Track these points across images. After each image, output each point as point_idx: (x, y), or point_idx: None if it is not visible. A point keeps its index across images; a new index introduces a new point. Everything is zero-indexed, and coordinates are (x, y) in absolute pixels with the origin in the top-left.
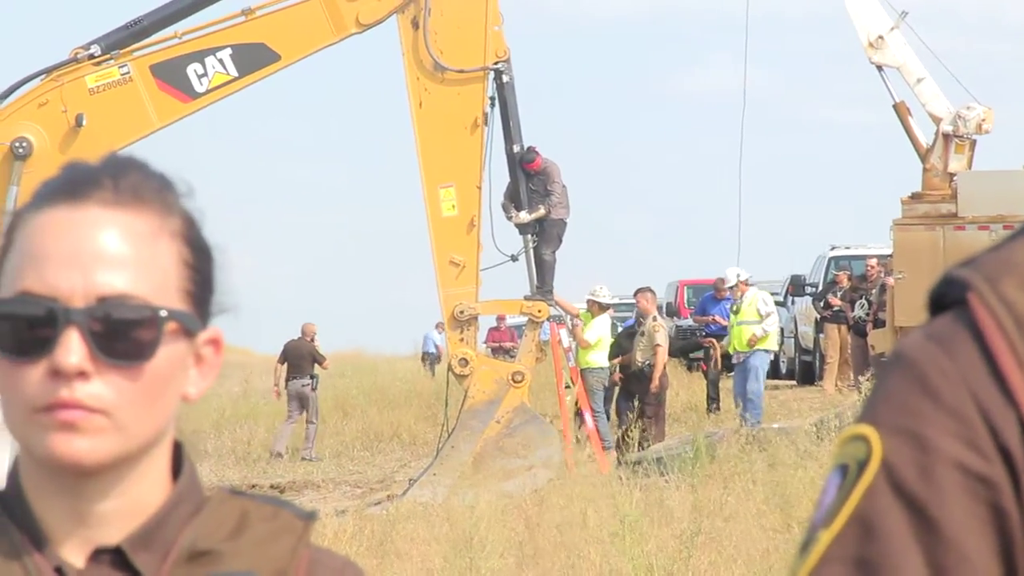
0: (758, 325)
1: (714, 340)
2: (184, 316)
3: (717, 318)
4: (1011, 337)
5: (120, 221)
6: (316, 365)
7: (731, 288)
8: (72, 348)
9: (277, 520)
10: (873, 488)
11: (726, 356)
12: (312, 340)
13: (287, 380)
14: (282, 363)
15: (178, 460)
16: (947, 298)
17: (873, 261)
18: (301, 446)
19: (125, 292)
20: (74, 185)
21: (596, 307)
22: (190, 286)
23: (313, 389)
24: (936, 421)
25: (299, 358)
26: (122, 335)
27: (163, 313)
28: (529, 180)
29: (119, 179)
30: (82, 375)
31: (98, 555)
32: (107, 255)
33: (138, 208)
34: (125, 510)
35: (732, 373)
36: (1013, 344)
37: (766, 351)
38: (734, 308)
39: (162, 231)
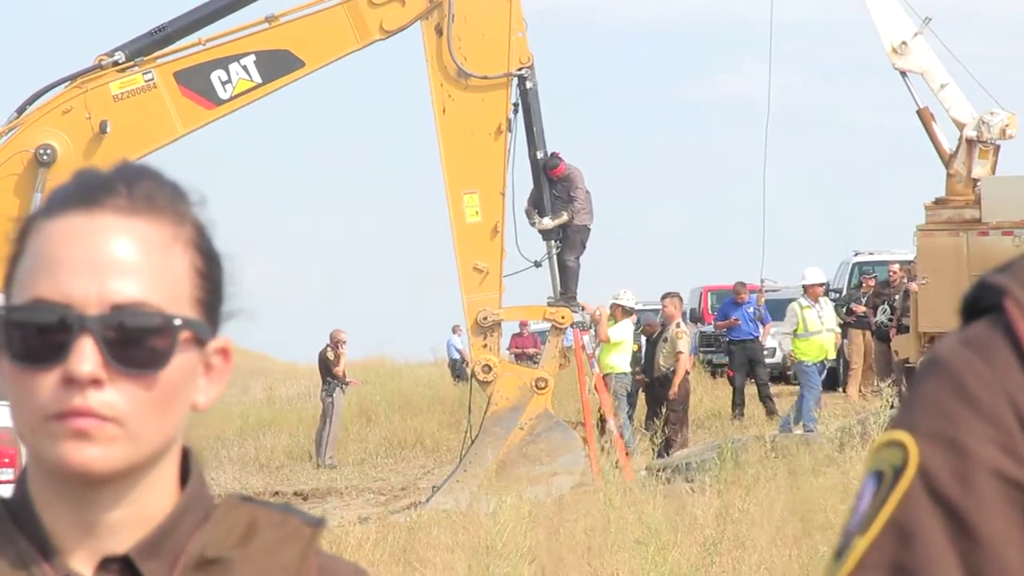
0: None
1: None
2: (197, 325)
3: (733, 320)
4: None
5: (134, 229)
6: (329, 372)
7: (809, 287)
8: (86, 356)
9: (286, 527)
10: (910, 494)
11: (750, 361)
12: (337, 346)
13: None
14: (320, 371)
15: (186, 467)
16: (982, 303)
17: (896, 267)
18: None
19: (139, 300)
20: (88, 192)
21: (620, 311)
22: (202, 295)
23: (329, 395)
24: (974, 427)
25: (321, 365)
26: (136, 343)
27: (177, 322)
28: (552, 186)
29: (133, 187)
30: (95, 383)
31: (106, 564)
32: (121, 263)
33: (152, 216)
34: (134, 519)
35: (753, 379)
36: None
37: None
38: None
39: (176, 240)
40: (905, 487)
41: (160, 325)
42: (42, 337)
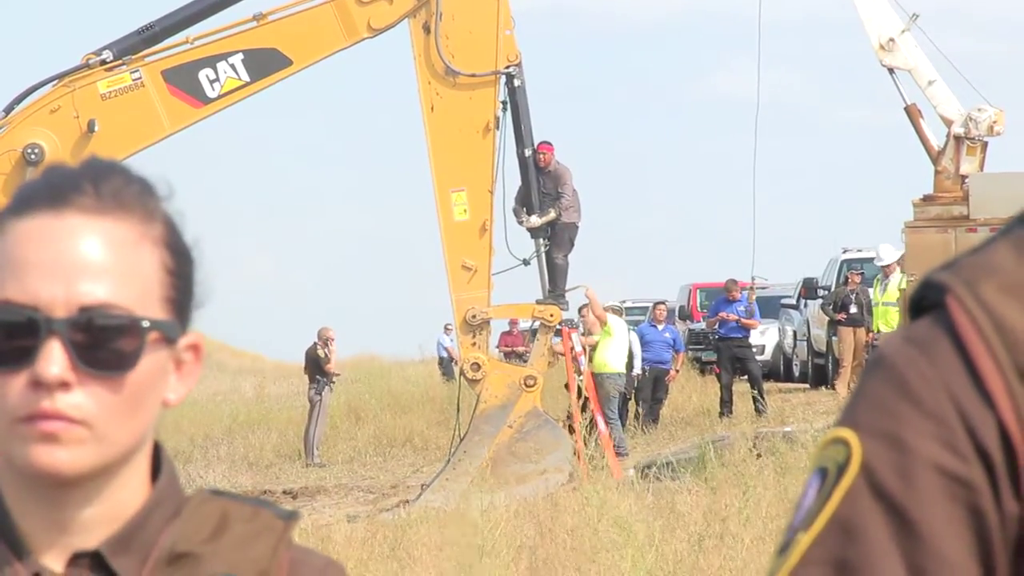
0: (897, 307)
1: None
2: (166, 325)
3: (726, 315)
4: (990, 340)
5: (102, 228)
6: (320, 370)
7: (885, 267)
8: (53, 358)
9: (257, 520)
10: (853, 491)
11: (733, 359)
12: (326, 344)
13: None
14: (304, 369)
15: (157, 463)
16: (927, 301)
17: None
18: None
19: (107, 301)
20: (55, 191)
21: (611, 311)
22: (172, 292)
23: (317, 393)
24: (915, 424)
25: (309, 364)
26: (104, 345)
27: (145, 323)
28: (541, 181)
29: (100, 185)
30: (63, 385)
31: (77, 559)
32: (89, 264)
33: (120, 215)
34: (105, 516)
35: (744, 376)
36: (992, 347)
37: None
38: (880, 288)
39: (144, 238)
40: (848, 483)
41: (128, 326)
42: (9, 340)
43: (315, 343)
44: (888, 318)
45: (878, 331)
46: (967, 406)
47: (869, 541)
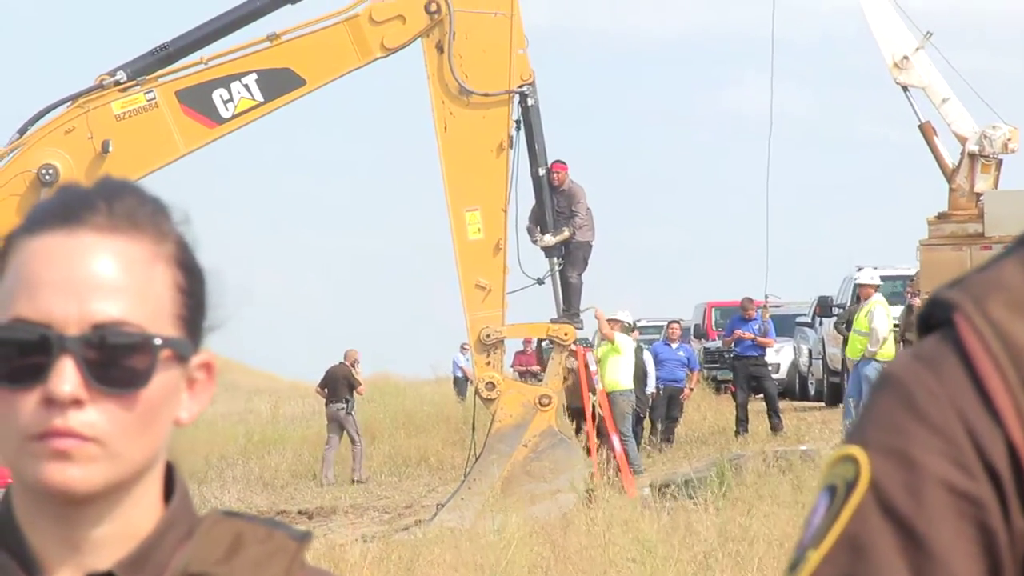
0: (867, 336)
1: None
2: (178, 343)
3: (742, 333)
4: (997, 357)
5: (115, 247)
6: (352, 390)
7: (860, 286)
8: (66, 376)
9: (271, 541)
10: (862, 508)
11: (749, 378)
12: (353, 365)
13: (327, 404)
14: (322, 387)
15: (170, 483)
16: (935, 318)
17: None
18: (351, 468)
19: (120, 319)
20: (68, 209)
21: (619, 327)
22: (184, 311)
23: (348, 413)
24: (924, 441)
25: (336, 382)
26: (116, 363)
27: (158, 341)
28: (554, 200)
29: (113, 204)
30: (76, 403)
31: None
32: (102, 282)
33: (133, 233)
34: (118, 535)
35: (760, 395)
36: (999, 364)
37: (879, 361)
38: (858, 314)
39: (157, 257)
40: (857, 501)
41: (140, 344)
42: (22, 357)
43: (342, 363)
44: (855, 347)
45: (848, 359)
46: (975, 423)
47: (878, 558)
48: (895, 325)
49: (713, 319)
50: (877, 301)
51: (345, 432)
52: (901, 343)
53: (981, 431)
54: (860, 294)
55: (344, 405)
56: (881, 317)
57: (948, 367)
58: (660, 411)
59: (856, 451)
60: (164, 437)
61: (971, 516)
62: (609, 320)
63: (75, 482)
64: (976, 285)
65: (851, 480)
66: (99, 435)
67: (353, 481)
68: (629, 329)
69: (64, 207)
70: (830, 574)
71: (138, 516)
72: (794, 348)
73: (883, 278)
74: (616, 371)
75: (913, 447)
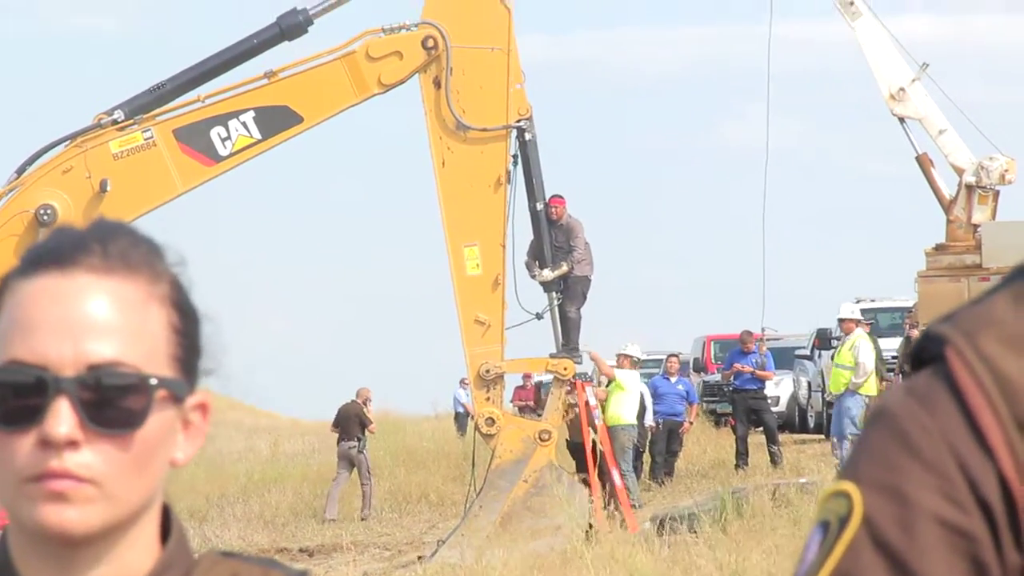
0: (851, 370)
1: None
2: (174, 383)
3: (741, 366)
4: (989, 392)
5: (109, 288)
6: (363, 428)
7: (841, 322)
8: (62, 417)
9: None
10: (855, 544)
11: (748, 411)
12: (365, 404)
13: (338, 442)
14: (335, 426)
15: (167, 524)
16: (927, 353)
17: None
18: (359, 506)
19: (115, 360)
20: (62, 251)
21: (627, 362)
22: (178, 351)
23: (359, 451)
24: (916, 476)
25: (347, 420)
26: (112, 404)
27: (153, 381)
28: (553, 235)
29: (108, 245)
30: (72, 444)
31: None
32: (97, 323)
33: (127, 274)
34: None
35: (760, 428)
36: (991, 399)
37: (862, 395)
38: (840, 349)
39: (151, 297)
40: (850, 536)
41: (136, 384)
42: (18, 399)
43: (354, 401)
44: (838, 381)
45: (830, 392)
46: (967, 458)
47: None
48: (893, 357)
49: (712, 352)
50: (860, 335)
51: (355, 470)
52: (900, 375)
53: (973, 466)
54: (842, 328)
55: (356, 443)
56: (867, 351)
57: (940, 402)
58: (660, 445)
59: (849, 487)
60: (160, 478)
61: (964, 550)
62: (619, 355)
63: (72, 523)
64: (968, 320)
65: (844, 515)
66: (95, 476)
67: (361, 519)
68: (636, 363)
69: (58, 249)
70: None
71: (134, 558)
72: (793, 381)
73: (881, 310)
74: (619, 406)
75: (906, 483)
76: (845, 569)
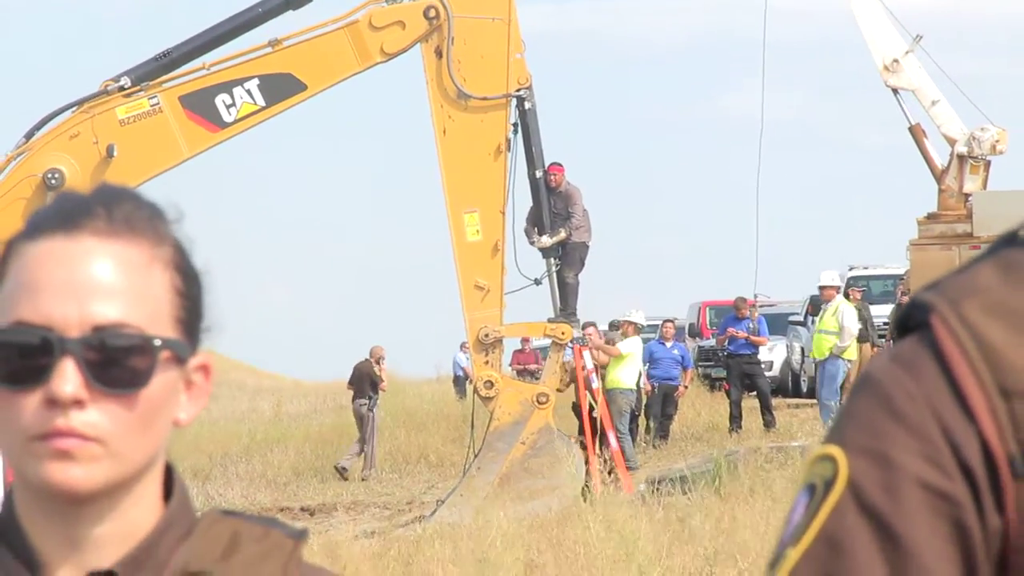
0: (835, 335)
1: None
2: (177, 344)
3: (735, 331)
4: (972, 359)
5: (114, 251)
6: (375, 387)
7: (822, 289)
8: (67, 377)
9: (268, 540)
10: (839, 507)
11: (742, 376)
12: (378, 362)
13: (352, 400)
14: (350, 384)
15: (169, 483)
16: (912, 320)
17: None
18: (361, 466)
19: (120, 321)
20: (67, 215)
21: (631, 328)
22: (181, 313)
23: (369, 409)
24: (900, 441)
25: (360, 379)
26: (117, 364)
27: (157, 342)
28: (551, 202)
29: (112, 209)
30: (77, 404)
31: None
32: (101, 285)
33: (131, 238)
34: (118, 534)
35: (753, 393)
36: (974, 366)
37: (844, 360)
38: (823, 315)
39: (155, 260)
40: (835, 499)
41: (140, 345)
42: (24, 359)
43: (367, 360)
44: (821, 347)
45: (813, 357)
46: (951, 423)
47: (855, 556)
48: (885, 323)
49: (708, 318)
50: (842, 301)
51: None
52: (892, 341)
53: (956, 431)
54: (823, 296)
55: (367, 401)
56: (851, 316)
57: (925, 369)
58: (655, 409)
59: (835, 451)
60: (164, 437)
61: (947, 514)
62: (623, 321)
63: (77, 481)
64: (953, 288)
65: (829, 479)
66: (101, 435)
67: (362, 479)
68: (639, 329)
69: (63, 213)
70: (808, 571)
71: (138, 515)
72: (787, 346)
73: (874, 277)
74: (620, 371)
75: (890, 447)
76: (830, 531)
